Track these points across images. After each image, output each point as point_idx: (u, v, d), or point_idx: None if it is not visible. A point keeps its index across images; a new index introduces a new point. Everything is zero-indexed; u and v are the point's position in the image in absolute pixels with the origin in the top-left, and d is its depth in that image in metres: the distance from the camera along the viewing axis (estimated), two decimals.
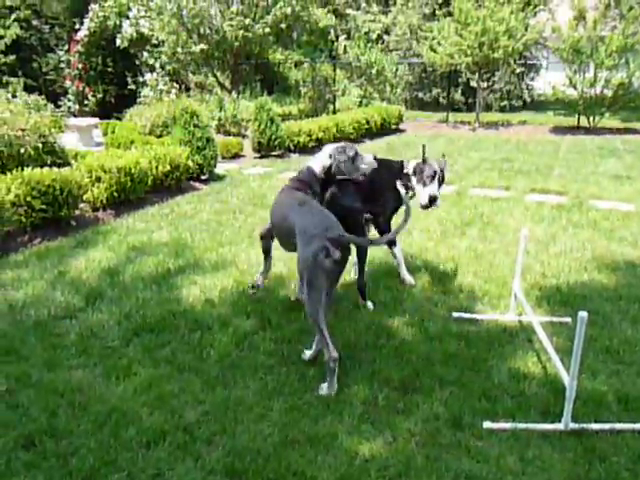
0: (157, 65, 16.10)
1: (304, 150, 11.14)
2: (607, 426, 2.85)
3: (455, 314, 4.06)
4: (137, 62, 16.75)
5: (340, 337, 3.69)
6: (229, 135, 12.57)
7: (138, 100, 15.52)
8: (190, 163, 8.03)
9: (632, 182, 8.48)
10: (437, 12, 19.73)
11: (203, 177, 8.52)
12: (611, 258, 5.25)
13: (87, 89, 16.92)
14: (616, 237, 5.86)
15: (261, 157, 10.61)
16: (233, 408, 3.03)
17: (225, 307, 4.23)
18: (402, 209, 4.25)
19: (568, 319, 3.97)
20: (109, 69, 17.22)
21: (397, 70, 18.56)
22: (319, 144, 11.58)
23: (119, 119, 13.73)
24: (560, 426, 2.85)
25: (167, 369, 3.42)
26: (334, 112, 16.02)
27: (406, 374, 3.30)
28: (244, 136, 12.49)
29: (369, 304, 4.19)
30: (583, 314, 2.61)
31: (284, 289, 4.55)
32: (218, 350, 3.60)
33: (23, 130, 7.48)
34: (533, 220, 6.44)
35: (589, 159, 10.53)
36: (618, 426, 2.84)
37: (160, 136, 11.15)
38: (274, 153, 10.76)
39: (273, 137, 10.48)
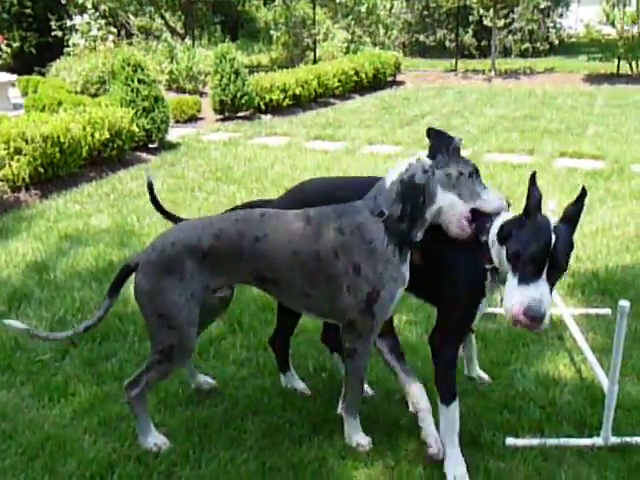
0: (89, 4, 15.88)
1: (278, 110, 11.14)
2: None
3: None
4: (63, 0, 16.52)
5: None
6: (184, 93, 12.51)
7: (66, 50, 15.30)
8: (135, 128, 7.99)
9: None
10: None
11: (152, 146, 8.49)
12: None
13: None
14: None
15: (224, 120, 10.59)
16: (197, 432, 3.05)
17: None
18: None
19: (608, 310, 4.04)
20: (27, 10, 16.96)
21: (392, 7, 18.56)
22: (297, 102, 11.60)
23: (42, 74, 13.57)
24: (599, 441, 2.91)
25: (113, 386, 3.42)
26: (314, 62, 16.03)
27: None
28: (202, 94, 12.44)
29: None
30: (625, 304, 2.66)
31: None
32: None
33: None
34: (563, 191, 6.52)
35: (632, 114, 10.65)
36: None
37: (95, 95, 11.06)
38: (240, 114, 10.74)
39: (238, 94, 10.45)
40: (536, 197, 2.52)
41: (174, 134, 9.18)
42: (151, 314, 2.76)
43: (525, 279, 2.42)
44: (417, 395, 2.83)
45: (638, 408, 3.16)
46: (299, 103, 11.74)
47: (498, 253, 2.56)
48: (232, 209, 3.35)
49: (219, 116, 10.72)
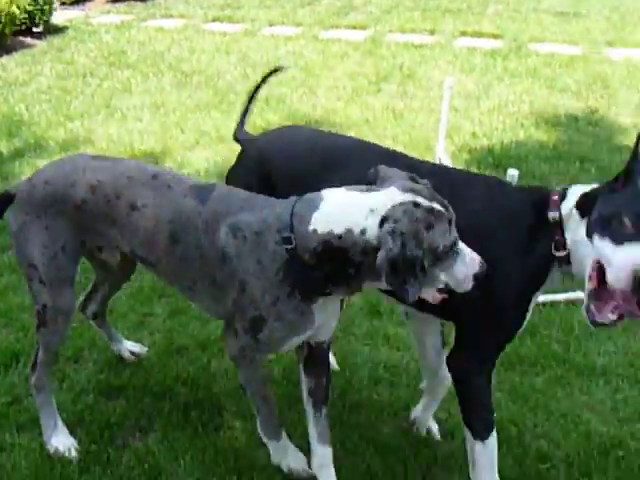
0: None
1: None
2: (552, 297, 3.17)
3: None
4: None
5: None
6: None
7: None
8: (15, 10, 7.40)
9: (580, 19, 8.80)
10: None
11: (36, 30, 7.96)
12: (552, 112, 5.55)
13: None
14: (558, 87, 6.17)
15: (115, 1, 9.96)
16: None
17: None
18: None
19: None
20: None
21: None
22: None
23: None
24: None
25: (12, 278, 3.37)
26: None
27: None
28: None
29: None
30: (513, 171, 2.79)
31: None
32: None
33: None
34: (463, 70, 6.61)
35: None
36: (566, 296, 3.16)
37: None
38: None
39: None
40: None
41: (60, 17, 8.60)
42: (22, 261, 2.31)
43: (628, 238, 1.88)
44: (316, 461, 2.24)
45: None
46: None
47: (576, 230, 1.99)
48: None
49: None
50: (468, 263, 1.81)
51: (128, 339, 2.92)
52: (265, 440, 2.27)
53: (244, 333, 2.04)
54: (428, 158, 4.48)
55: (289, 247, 1.85)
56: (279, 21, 8.74)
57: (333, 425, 2.30)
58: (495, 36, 7.93)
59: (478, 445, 2.10)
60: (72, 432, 2.43)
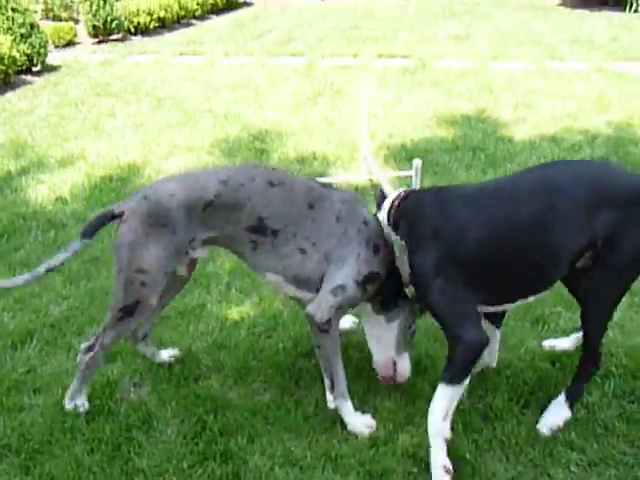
0: None
1: (146, 32, 10.30)
2: None
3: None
4: None
5: None
6: (60, 21, 11.18)
7: None
8: (15, 54, 7.13)
9: (470, 40, 8.88)
10: None
11: (35, 69, 7.66)
12: (450, 113, 5.60)
13: None
14: (454, 93, 6.22)
15: (99, 42, 9.67)
16: (100, 298, 3.00)
17: (79, 203, 4.03)
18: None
19: (412, 172, 4.26)
20: None
21: None
22: (162, 24, 10.77)
23: None
24: None
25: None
26: None
27: None
28: (77, 21, 11.18)
29: None
30: (417, 162, 2.81)
31: (139, 177, 4.40)
32: None
33: None
34: (381, 85, 6.60)
35: (432, 21, 10.77)
36: None
37: None
38: (113, 37, 9.84)
39: (109, 19, 9.51)
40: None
41: (55, 58, 8.30)
42: (128, 267, 2.10)
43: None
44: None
45: None
46: (164, 25, 10.86)
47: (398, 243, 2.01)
48: None
49: (94, 40, 9.74)
50: None
51: None
52: (339, 403, 2.17)
53: (334, 296, 2.08)
54: (356, 156, 4.51)
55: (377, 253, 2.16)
56: (234, 52, 8.60)
57: None
58: (405, 56, 7.95)
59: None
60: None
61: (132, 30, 10.17)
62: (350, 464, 2.03)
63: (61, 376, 2.47)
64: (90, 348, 2.26)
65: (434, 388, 2.15)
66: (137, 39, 10.00)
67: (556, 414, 2.14)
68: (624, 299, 2.58)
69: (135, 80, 7.22)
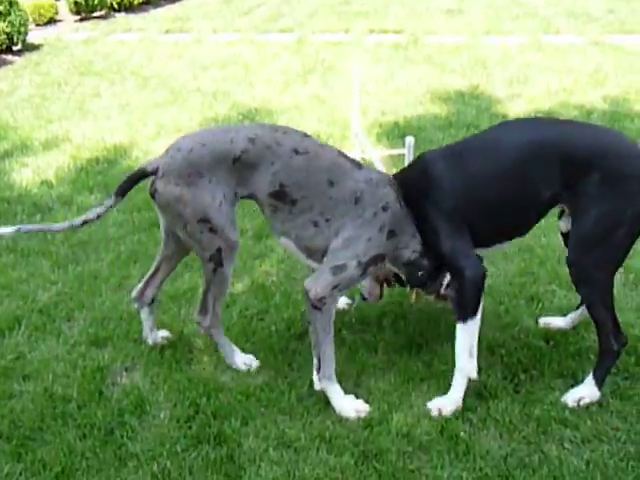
0: None
1: (131, 9, 10.13)
2: None
3: None
4: None
5: None
6: None
7: None
8: None
9: (463, 15, 8.80)
10: None
11: (16, 48, 7.54)
12: (443, 90, 5.57)
13: None
14: (447, 69, 6.19)
15: (82, 20, 9.51)
16: (89, 282, 3.00)
17: (65, 186, 4.01)
18: None
19: (404, 150, 4.24)
20: None
21: None
22: (147, 1, 10.59)
23: None
24: None
25: (10, 257, 3.25)
26: None
27: (257, 223, 3.40)
28: None
29: None
30: (410, 139, 2.81)
31: (126, 159, 4.37)
32: None
33: None
34: (373, 61, 6.55)
35: None
36: None
37: None
38: (96, 14, 9.68)
39: None
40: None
41: (36, 36, 8.16)
42: (191, 221, 2.15)
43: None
44: None
45: None
46: (149, 1, 10.68)
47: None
48: None
49: (76, 17, 9.58)
50: None
51: (110, 299, 2.87)
52: (325, 385, 2.19)
53: (332, 275, 2.11)
54: (348, 134, 4.49)
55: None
56: (221, 29, 8.49)
57: None
58: (397, 32, 7.88)
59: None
60: (68, 377, 2.39)
61: (116, 7, 9.99)
62: (344, 445, 2.05)
63: (51, 362, 2.48)
64: (202, 311, 2.34)
65: (428, 368, 2.17)
66: (121, 16, 9.84)
67: (585, 390, 2.20)
68: (618, 276, 2.61)
69: (120, 59, 7.13)
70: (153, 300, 2.52)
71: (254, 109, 5.21)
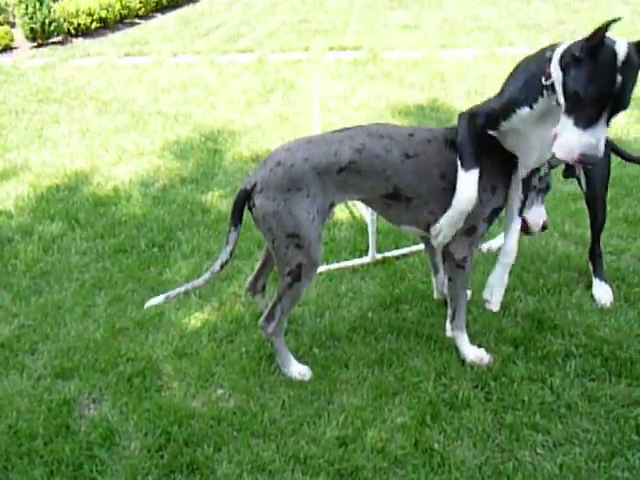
0: None
1: (88, 34, 10.06)
2: (405, 251, 3.25)
3: None
4: None
5: (156, 222, 3.66)
6: None
7: None
8: None
9: (420, 30, 8.97)
10: None
11: None
12: (403, 104, 5.65)
13: None
14: (407, 84, 6.28)
15: (38, 46, 9.40)
16: (52, 313, 2.93)
17: (25, 215, 3.92)
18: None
19: None
20: None
21: None
22: (105, 25, 10.54)
23: None
24: (367, 259, 3.19)
25: None
26: None
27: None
28: (13, 24, 10.85)
29: None
30: None
31: (87, 185, 4.31)
32: (24, 260, 3.38)
33: None
34: (333, 78, 6.62)
35: (381, 12, 10.85)
36: (413, 249, 3.25)
37: None
38: (53, 40, 9.58)
39: (47, 21, 9.27)
40: (602, 28, 1.71)
41: None
42: (280, 235, 2.19)
43: (583, 123, 1.80)
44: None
45: (390, 233, 3.44)
46: (107, 25, 10.63)
47: (556, 76, 1.89)
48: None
49: (32, 44, 9.46)
50: None
51: (75, 329, 2.80)
52: (457, 333, 2.46)
53: (468, 237, 2.32)
54: None
55: None
56: (181, 51, 8.48)
57: None
58: (356, 48, 7.98)
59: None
60: (33, 412, 2.32)
61: (72, 32, 9.93)
62: (319, 464, 2.04)
63: (15, 398, 2.40)
64: (268, 318, 2.39)
65: (400, 381, 2.15)
66: (78, 41, 9.76)
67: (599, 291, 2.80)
68: (581, 283, 2.67)
69: (78, 84, 7.05)
70: (264, 287, 2.68)
71: (216, 130, 5.20)
